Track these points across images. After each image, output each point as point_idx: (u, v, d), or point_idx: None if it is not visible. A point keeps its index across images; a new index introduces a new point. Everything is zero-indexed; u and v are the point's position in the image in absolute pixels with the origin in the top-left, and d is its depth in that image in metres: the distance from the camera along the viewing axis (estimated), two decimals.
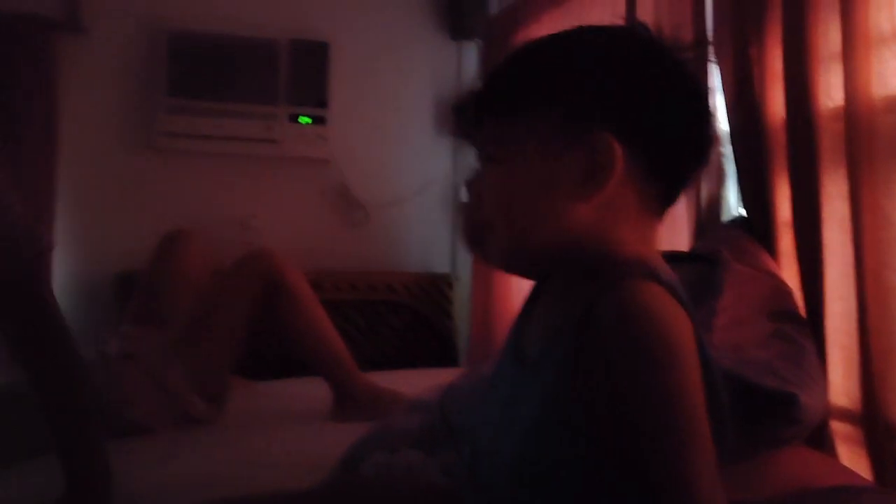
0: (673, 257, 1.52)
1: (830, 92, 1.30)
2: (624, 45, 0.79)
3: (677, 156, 0.77)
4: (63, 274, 2.74)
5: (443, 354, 3.01)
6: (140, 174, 2.89)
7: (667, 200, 0.79)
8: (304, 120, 2.99)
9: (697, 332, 0.71)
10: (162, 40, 2.84)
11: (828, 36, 1.30)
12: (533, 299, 0.88)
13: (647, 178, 0.75)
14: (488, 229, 0.79)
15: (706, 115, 0.79)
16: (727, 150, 1.60)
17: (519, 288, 2.63)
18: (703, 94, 0.80)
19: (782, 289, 1.39)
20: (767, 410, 1.13)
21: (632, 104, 0.75)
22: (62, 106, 2.71)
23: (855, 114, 1.22)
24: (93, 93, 2.84)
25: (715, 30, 1.59)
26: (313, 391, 1.99)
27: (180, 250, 2.25)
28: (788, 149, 1.39)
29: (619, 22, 1.97)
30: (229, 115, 2.90)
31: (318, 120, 3.02)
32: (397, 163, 3.22)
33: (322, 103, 3.02)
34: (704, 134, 0.79)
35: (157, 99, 2.85)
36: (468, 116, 0.83)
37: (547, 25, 2.53)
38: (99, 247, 2.82)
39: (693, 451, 0.66)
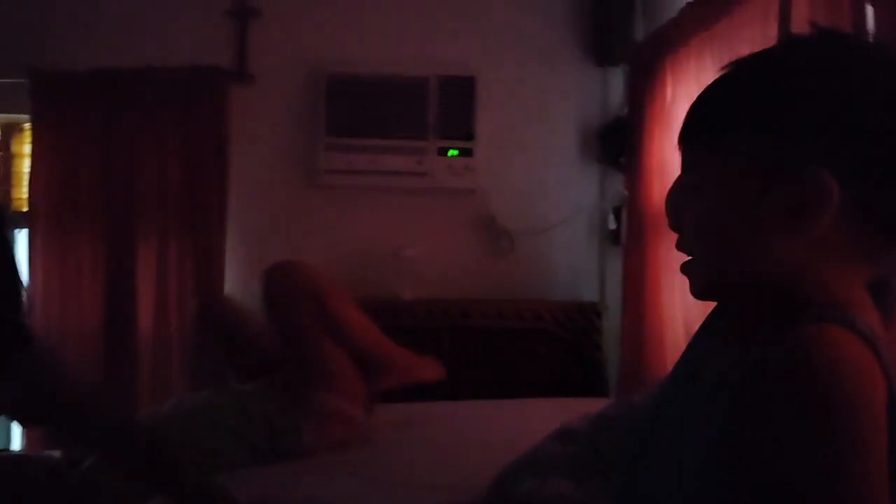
0: None
1: None
2: (851, 63, 0.70)
3: None
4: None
5: (591, 384, 2.98)
6: (302, 209, 3.09)
7: (889, 247, 0.70)
8: (452, 153, 3.09)
9: (893, 386, 0.62)
10: (321, 83, 3.04)
11: None
12: (717, 316, 0.83)
13: (865, 220, 0.68)
14: (689, 258, 0.76)
15: None
16: None
17: (671, 317, 2.57)
18: None
19: None
20: None
21: (857, 140, 0.67)
22: (233, 146, 2.96)
23: None
24: (260, 134, 3.09)
25: None
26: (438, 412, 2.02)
27: (229, 312, 2.36)
28: None
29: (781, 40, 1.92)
30: (382, 151, 3.05)
31: (466, 152, 3.11)
32: (543, 191, 3.24)
33: (469, 136, 3.11)
34: None
35: (318, 138, 3.04)
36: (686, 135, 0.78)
37: (696, 49, 2.49)
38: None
39: None
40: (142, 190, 2.84)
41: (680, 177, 0.78)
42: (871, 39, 0.71)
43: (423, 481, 1.46)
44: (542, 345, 3.02)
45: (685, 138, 0.78)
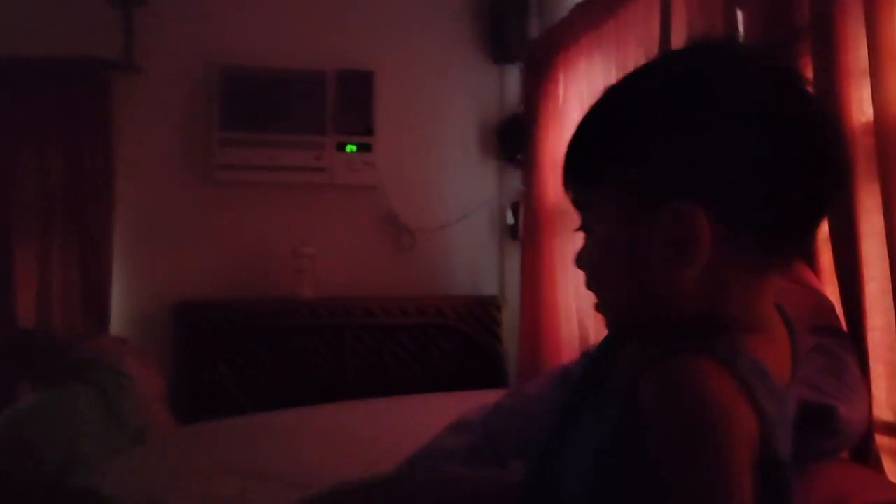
0: None
1: (861, 107, 1.30)
2: (721, 88, 0.68)
3: (788, 211, 0.68)
4: (121, 304, 2.86)
5: (492, 376, 3.03)
6: (195, 205, 3.00)
7: (784, 251, 0.71)
8: (351, 148, 3.07)
9: (766, 426, 0.64)
10: (214, 75, 2.96)
11: (857, 52, 1.30)
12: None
13: (748, 233, 0.68)
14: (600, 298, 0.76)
15: (829, 158, 0.69)
16: None
17: (566, 309, 2.64)
18: (823, 128, 0.70)
19: (824, 304, 1.38)
20: (807, 423, 1.13)
21: (718, 162, 0.66)
22: (120, 141, 2.84)
23: (884, 128, 1.22)
24: (149, 128, 2.98)
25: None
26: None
27: None
28: None
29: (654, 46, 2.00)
30: (280, 146, 3.00)
31: (365, 147, 3.09)
32: (443, 187, 3.27)
33: (369, 131, 3.10)
34: (822, 183, 0.69)
35: (211, 132, 2.96)
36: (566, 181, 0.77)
37: (586, 48, 2.56)
38: (156, 277, 2.94)
39: None
40: (20, 189, 2.69)
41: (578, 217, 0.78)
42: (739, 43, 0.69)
43: (313, 479, 1.45)
44: (445, 340, 3.06)
45: (566, 185, 0.77)
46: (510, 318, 3.12)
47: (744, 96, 0.67)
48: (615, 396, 0.72)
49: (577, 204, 0.77)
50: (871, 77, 1.24)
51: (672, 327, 0.70)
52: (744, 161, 0.66)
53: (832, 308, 1.38)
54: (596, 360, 0.85)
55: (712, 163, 0.66)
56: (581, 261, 0.77)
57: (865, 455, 1.29)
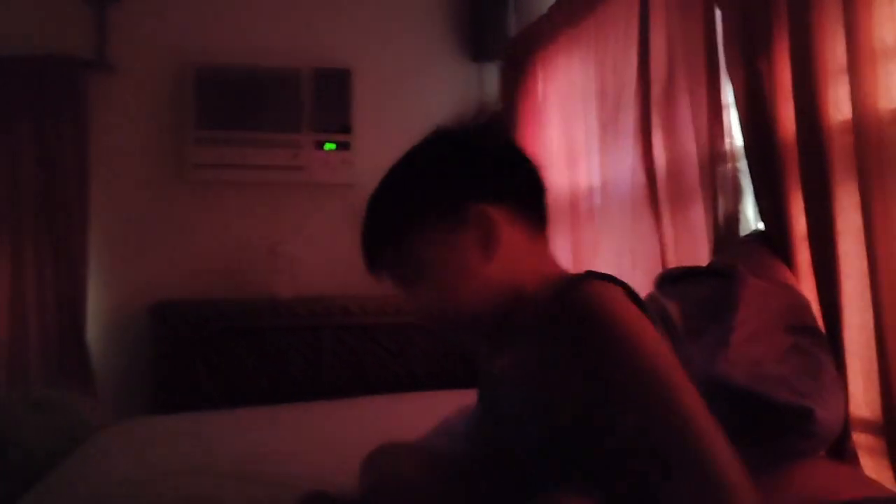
0: (691, 272, 1.53)
1: (839, 105, 1.31)
2: (461, 144, 1.02)
3: (531, 196, 1.02)
4: (97, 306, 2.82)
5: (472, 375, 3.01)
6: (171, 205, 2.96)
7: (542, 223, 1.03)
8: (328, 146, 3.05)
9: (651, 319, 0.87)
10: (189, 74, 2.93)
11: (835, 50, 1.31)
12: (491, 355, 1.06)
13: (521, 218, 0.98)
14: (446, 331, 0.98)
15: (532, 164, 1.03)
16: (742, 165, 1.61)
17: None
18: (521, 152, 1.04)
19: (800, 302, 1.39)
20: (784, 425, 1.14)
21: (487, 179, 0.97)
22: (93, 140, 2.80)
23: (863, 126, 1.23)
24: (123, 127, 2.93)
25: (725, 47, 1.61)
26: None
27: None
28: (801, 163, 1.40)
29: (631, 49, 2.01)
30: (256, 145, 2.97)
31: (343, 146, 3.07)
32: None
33: (346, 129, 3.08)
34: (537, 175, 1.04)
35: (186, 131, 2.93)
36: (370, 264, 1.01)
37: (564, 46, 2.56)
38: (132, 278, 2.90)
39: (675, 391, 0.78)
40: None
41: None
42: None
43: (289, 479, 1.43)
44: (424, 339, 3.04)
45: (374, 270, 1.00)
46: None
47: (488, 144, 1.03)
48: (520, 350, 0.94)
49: (393, 275, 0.99)
50: (849, 75, 1.25)
51: (517, 302, 0.94)
52: (504, 178, 0.99)
53: (808, 307, 1.39)
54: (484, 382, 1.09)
55: (486, 181, 0.97)
56: (422, 317, 0.97)
57: (842, 452, 1.30)
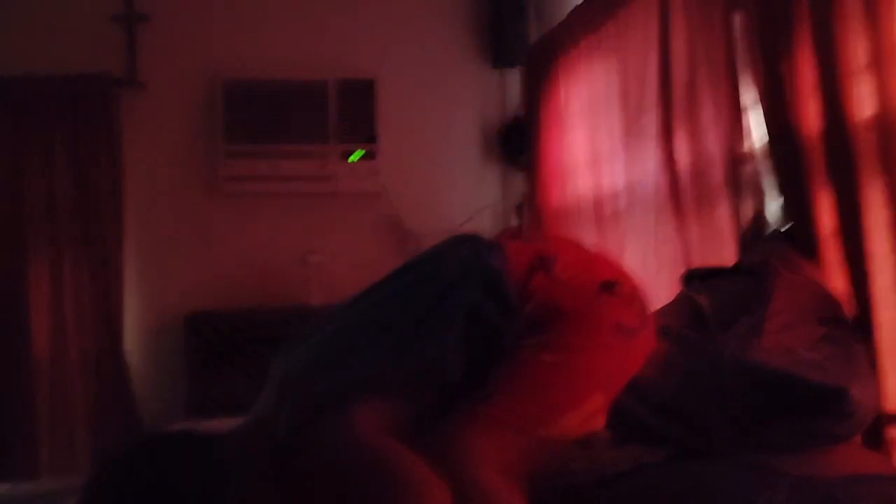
0: (719, 271, 1.55)
1: (863, 102, 1.32)
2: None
3: None
4: (133, 317, 2.88)
5: None
6: (203, 217, 3.02)
7: None
8: (355, 156, 3.10)
9: None
10: (217, 88, 2.99)
11: (858, 48, 1.32)
12: None
13: None
14: None
15: None
16: (764, 165, 1.62)
17: None
18: None
19: (831, 297, 1.40)
20: (819, 406, 1.14)
21: None
22: (127, 156, 2.86)
23: (887, 123, 1.24)
24: (155, 142, 3.00)
25: (746, 48, 1.62)
26: None
27: None
28: (827, 160, 1.41)
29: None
30: (284, 156, 3.03)
31: (369, 155, 3.12)
32: (447, 191, 3.29)
33: (371, 139, 3.12)
34: None
35: (216, 144, 2.98)
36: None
37: (585, 51, 2.58)
38: (167, 290, 2.96)
39: None
40: (29, 208, 2.70)
41: None
42: None
43: None
44: None
45: None
46: None
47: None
48: None
49: None
50: (874, 73, 1.26)
51: None
52: None
53: (839, 302, 1.40)
54: None
55: None
56: None
57: (878, 441, 1.30)
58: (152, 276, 2.95)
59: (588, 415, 1.09)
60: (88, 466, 2.55)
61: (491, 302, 1.07)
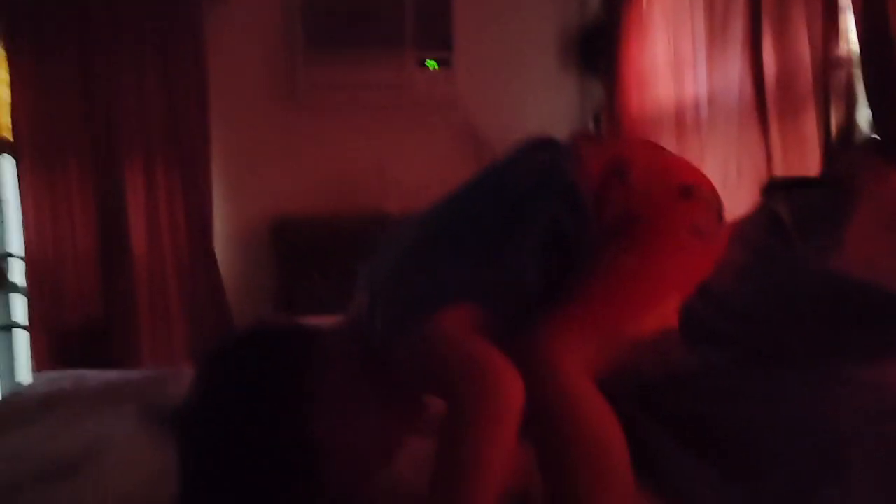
0: (803, 182, 1.54)
1: None
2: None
3: None
4: (222, 221, 3.02)
5: None
6: (285, 126, 3.10)
7: None
8: (430, 64, 3.10)
9: None
10: None
11: None
12: None
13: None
14: None
15: None
16: (858, 72, 1.57)
17: None
18: None
19: None
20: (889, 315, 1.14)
21: None
22: (211, 65, 2.94)
23: None
24: (238, 51, 3.06)
25: None
26: None
27: None
28: None
29: None
30: (361, 63, 3.05)
31: (444, 62, 3.11)
32: (523, 100, 3.27)
33: (447, 45, 3.11)
34: None
35: (296, 52, 3.03)
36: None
37: None
38: (252, 195, 3.08)
39: None
40: (124, 114, 2.82)
41: None
42: None
43: None
44: None
45: None
46: None
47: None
48: None
49: None
50: None
51: None
52: None
53: None
54: None
55: None
56: None
57: None
58: (239, 183, 3.06)
59: (664, 315, 1.12)
60: (186, 356, 2.76)
61: (567, 212, 1.08)
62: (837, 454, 0.97)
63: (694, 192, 1.14)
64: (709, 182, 1.20)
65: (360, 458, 1.02)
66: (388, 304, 1.03)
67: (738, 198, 2.02)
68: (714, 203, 1.19)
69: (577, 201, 1.09)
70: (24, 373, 2.92)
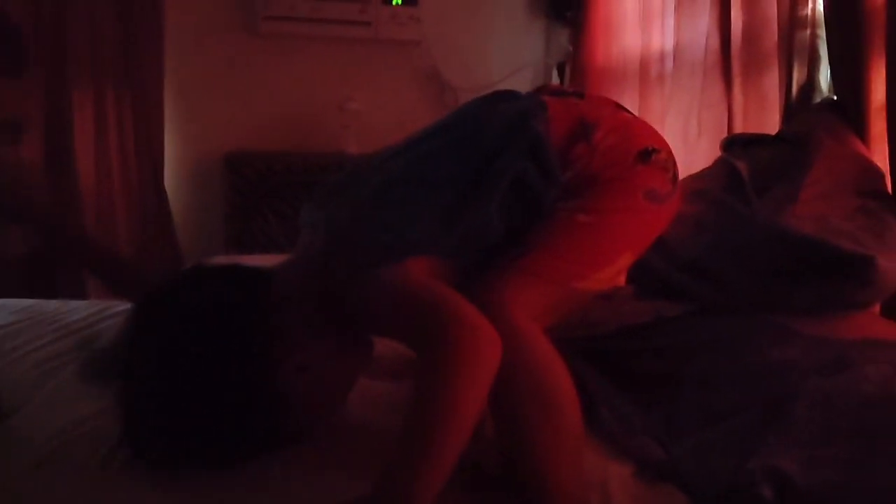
0: (761, 139, 1.54)
1: None
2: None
3: None
4: (174, 154, 2.94)
5: None
6: (243, 58, 2.99)
7: None
8: (396, 1, 3.02)
9: None
10: None
11: None
12: None
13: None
14: None
15: None
16: (821, 33, 1.57)
17: None
18: None
19: (873, 170, 1.40)
20: (844, 272, 1.17)
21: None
22: None
23: None
24: None
25: None
26: None
27: None
28: (887, 31, 1.37)
29: None
30: None
31: (410, 1, 3.03)
32: (489, 45, 3.21)
33: None
34: None
35: None
36: None
37: None
38: (206, 128, 2.99)
39: None
40: (74, 40, 2.69)
41: None
42: None
43: None
44: None
45: None
46: None
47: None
48: None
49: None
50: None
51: None
52: None
53: (881, 175, 1.40)
54: None
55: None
56: None
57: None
58: (193, 115, 2.97)
59: (616, 272, 1.16)
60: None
61: (534, 168, 1.10)
62: (782, 405, 1.00)
63: (652, 156, 1.17)
64: (667, 146, 1.23)
65: (320, 396, 1.01)
66: (354, 249, 1.02)
67: (698, 152, 2.04)
68: (670, 165, 1.21)
69: (545, 157, 1.11)
70: None
